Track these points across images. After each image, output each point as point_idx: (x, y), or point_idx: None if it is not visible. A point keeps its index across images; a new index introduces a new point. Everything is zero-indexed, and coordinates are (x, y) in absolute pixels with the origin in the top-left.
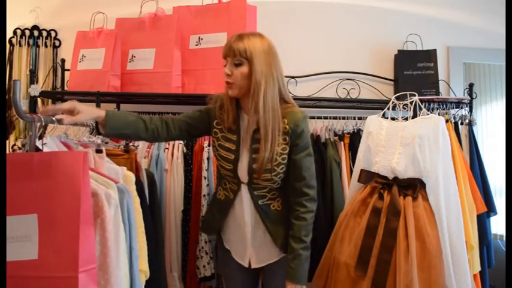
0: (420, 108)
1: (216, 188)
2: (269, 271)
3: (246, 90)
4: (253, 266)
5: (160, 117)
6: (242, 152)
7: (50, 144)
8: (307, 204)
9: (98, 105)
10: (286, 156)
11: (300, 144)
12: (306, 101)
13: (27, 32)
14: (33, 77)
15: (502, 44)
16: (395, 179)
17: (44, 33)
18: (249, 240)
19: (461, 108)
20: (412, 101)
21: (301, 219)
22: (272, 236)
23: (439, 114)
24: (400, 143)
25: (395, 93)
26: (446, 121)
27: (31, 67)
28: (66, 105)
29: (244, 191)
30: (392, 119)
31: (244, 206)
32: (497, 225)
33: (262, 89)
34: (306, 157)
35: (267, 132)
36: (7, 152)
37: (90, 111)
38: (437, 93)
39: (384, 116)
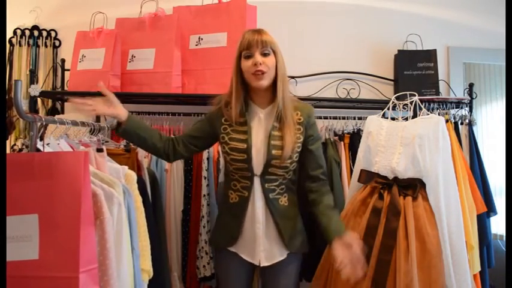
0: (420, 108)
1: (224, 194)
2: (272, 270)
3: (272, 82)
4: (262, 264)
5: (169, 136)
6: (256, 142)
7: (53, 144)
8: (327, 187)
9: None
10: (301, 145)
11: (314, 135)
12: (306, 101)
13: (27, 32)
14: (33, 77)
15: (502, 44)
16: (395, 179)
17: (44, 33)
18: (260, 237)
19: (461, 108)
20: (412, 101)
21: (326, 193)
22: (280, 231)
23: (439, 114)
24: (400, 143)
25: (395, 93)
26: (446, 121)
27: (31, 67)
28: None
29: (256, 184)
30: (392, 119)
31: (256, 201)
32: (497, 225)
33: (284, 80)
34: (319, 147)
35: (289, 121)
36: (7, 152)
37: (122, 108)
38: (437, 93)
39: (384, 116)
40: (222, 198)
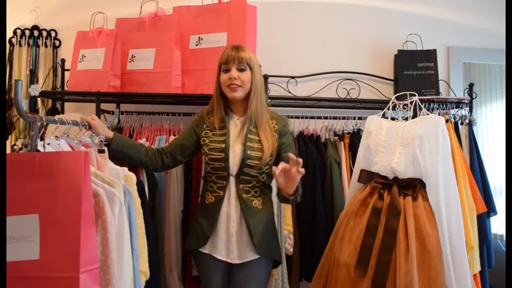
0: (420, 108)
1: (201, 197)
2: (242, 269)
3: (247, 94)
4: (234, 261)
5: (157, 148)
6: (234, 143)
7: (54, 144)
8: None
9: (98, 105)
10: (275, 150)
11: (287, 143)
12: (306, 101)
13: (27, 32)
14: (33, 77)
15: (502, 44)
16: (396, 179)
17: (44, 33)
18: (234, 236)
19: (461, 108)
20: (412, 101)
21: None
22: (251, 232)
23: (439, 114)
24: (400, 143)
25: (395, 93)
26: (446, 121)
27: (31, 67)
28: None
29: (232, 184)
30: (392, 119)
31: (231, 200)
32: (497, 225)
33: (258, 93)
34: None
35: (265, 127)
36: (7, 152)
37: (107, 131)
38: (437, 93)
39: (384, 116)
40: (199, 203)
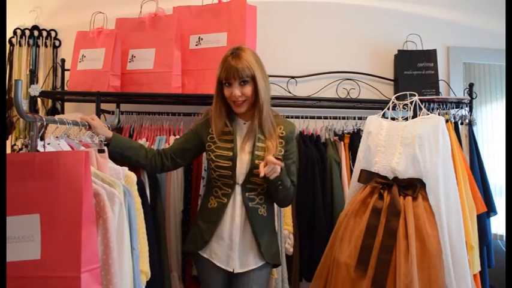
0: (420, 108)
1: (204, 200)
2: (245, 276)
3: (252, 104)
4: (236, 270)
5: (158, 149)
6: (241, 151)
7: (54, 144)
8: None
9: (98, 105)
10: (281, 157)
11: (291, 150)
12: (306, 101)
13: (27, 32)
14: (33, 77)
15: (502, 44)
16: (396, 179)
17: (44, 33)
18: (236, 244)
19: (461, 108)
20: (412, 101)
21: None
22: (257, 240)
23: (439, 114)
24: (400, 143)
25: (395, 93)
26: (446, 121)
27: (31, 67)
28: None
29: (237, 192)
30: (393, 119)
31: (236, 209)
32: (497, 225)
33: (264, 102)
34: (293, 164)
35: (271, 134)
36: (7, 152)
37: (106, 131)
38: (437, 93)
39: (384, 116)
40: (200, 205)
